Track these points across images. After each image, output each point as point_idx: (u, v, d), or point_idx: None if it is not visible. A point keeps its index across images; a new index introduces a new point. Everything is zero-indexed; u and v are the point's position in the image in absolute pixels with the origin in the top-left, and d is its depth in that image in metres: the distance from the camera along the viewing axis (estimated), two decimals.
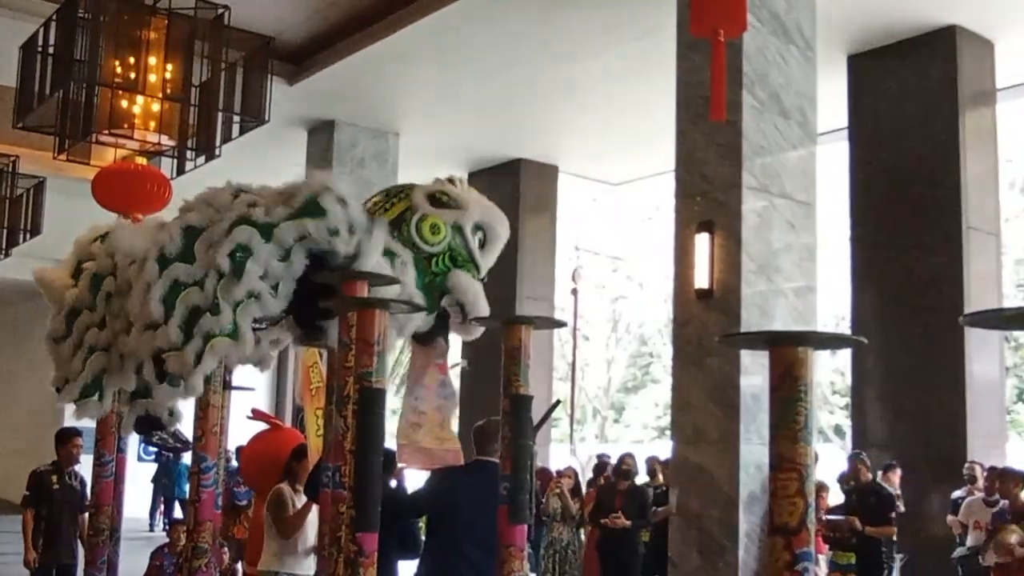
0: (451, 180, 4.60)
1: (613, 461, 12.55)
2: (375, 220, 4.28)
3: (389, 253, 4.27)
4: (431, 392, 4.55)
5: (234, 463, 16.10)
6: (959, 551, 9.32)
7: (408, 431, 4.72)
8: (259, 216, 4.10)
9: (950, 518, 9.66)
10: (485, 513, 5.03)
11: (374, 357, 3.36)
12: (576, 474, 11.61)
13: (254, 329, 4.11)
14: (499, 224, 4.59)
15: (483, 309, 4.44)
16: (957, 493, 9.69)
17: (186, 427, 4.98)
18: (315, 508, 6.72)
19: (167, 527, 13.07)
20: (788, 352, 2.31)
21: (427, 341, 4.49)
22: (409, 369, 4.58)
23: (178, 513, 17.44)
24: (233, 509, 10.74)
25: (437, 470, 5.40)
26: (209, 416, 4.16)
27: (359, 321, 3.43)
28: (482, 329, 4.45)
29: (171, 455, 17.05)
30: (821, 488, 9.55)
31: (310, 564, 7.11)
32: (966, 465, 9.66)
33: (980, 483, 9.43)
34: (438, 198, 4.46)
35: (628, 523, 10.23)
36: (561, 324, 4.21)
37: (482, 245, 4.50)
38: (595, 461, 12.90)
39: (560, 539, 10.90)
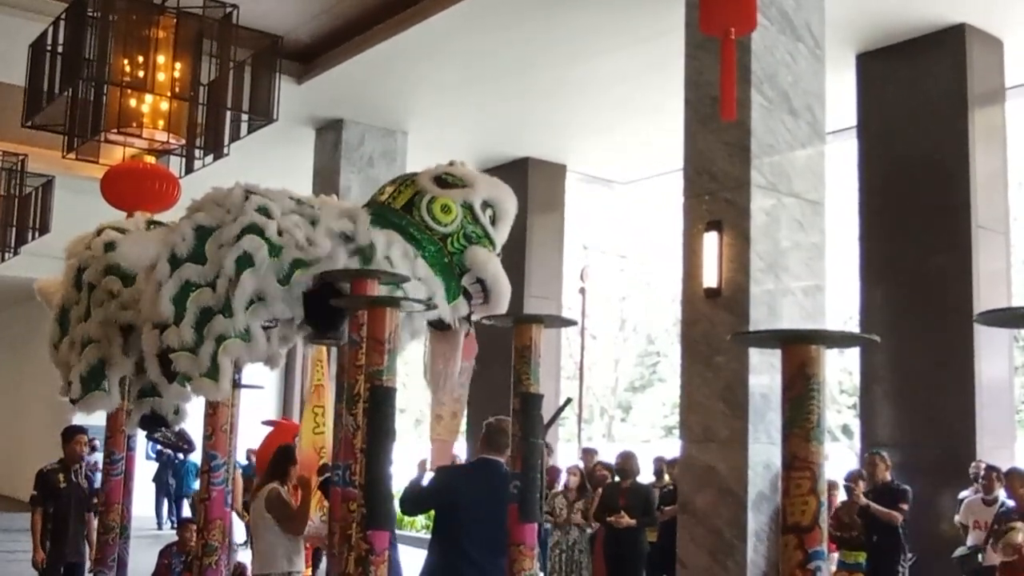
0: (452, 164, 4.63)
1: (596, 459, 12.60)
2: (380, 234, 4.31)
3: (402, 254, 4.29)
4: (452, 382, 4.56)
5: (242, 463, 16.08)
6: (960, 551, 9.31)
7: (435, 425, 4.74)
8: (271, 232, 4.12)
9: (956, 518, 9.64)
10: (488, 511, 5.04)
11: (385, 355, 3.36)
12: (583, 472, 11.57)
13: (264, 328, 4.12)
14: (507, 199, 4.63)
15: (504, 283, 4.45)
16: (964, 493, 9.67)
17: (192, 426, 5.00)
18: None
19: (176, 525, 13.07)
20: (800, 350, 2.30)
21: (446, 327, 4.49)
22: (430, 360, 4.58)
23: (187, 511, 17.48)
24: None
25: (441, 468, 5.41)
26: (219, 414, 4.17)
27: (369, 319, 3.43)
28: (506, 302, 4.46)
29: (172, 453, 17.07)
30: (832, 487, 9.50)
31: (302, 563, 7.24)
32: (972, 465, 9.65)
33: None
34: (444, 179, 4.50)
35: (633, 522, 10.20)
36: (571, 323, 4.20)
37: (492, 221, 4.53)
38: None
39: (567, 538, 10.87)
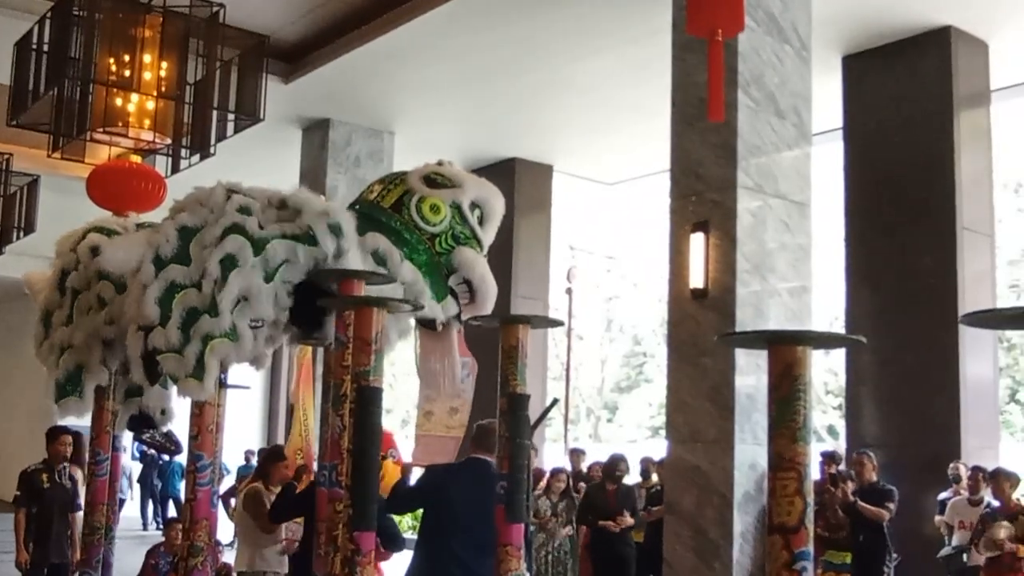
0: (440, 163, 4.64)
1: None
2: (365, 237, 4.29)
3: (379, 258, 4.28)
4: (446, 378, 4.55)
5: (255, 464, 16.10)
6: (945, 551, 9.35)
7: (422, 421, 4.73)
8: (252, 228, 4.11)
9: (937, 518, 9.68)
10: (475, 511, 5.04)
11: (371, 355, 3.36)
12: (569, 476, 11.53)
13: (250, 327, 4.11)
14: (495, 199, 4.63)
15: (491, 284, 4.46)
16: (944, 495, 9.71)
17: (178, 427, 4.99)
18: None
19: (161, 526, 13.00)
20: (787, 351, 2.31)
21: (434, 325, 4.48)
22: (420, 358, 4.58)
23: (172, 512, 17.45)
24: None
25: (430, 467, 5.40)
26: (205, 414, 4.16)
27: (356, 319, 3.43)
28: (492, 303, 4.46)
29: (157, 454, 17.02)
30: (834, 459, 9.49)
31: (284, 562, 7.26)
32: (951, 466, 9.69)
33: (964, 483, 9.45)
34: (433, 179, 4.50)
35: (632, 521, 10.08)
36: (558, 323, 4.20)
37: (480, 221, 4.53)
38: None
39: (553, 540, 10.80)
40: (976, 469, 9.24)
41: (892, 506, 9.13)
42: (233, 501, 11.87)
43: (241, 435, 17.11)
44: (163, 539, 8.73)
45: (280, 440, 17.48)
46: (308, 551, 5.42)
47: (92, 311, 4.66)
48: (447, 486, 5.47)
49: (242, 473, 15.20)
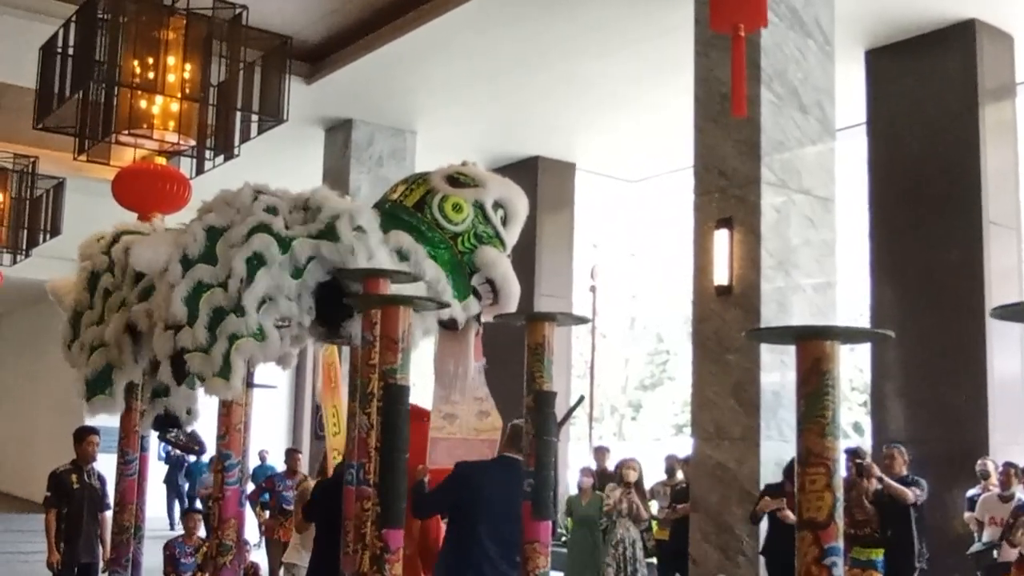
0: (464, 164, 4.64)
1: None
2: (389, 235, 4.30)
3: (403, 255, 4.29)
4: (466, 381, 4.54)
5: (270, 464, 16.12)
6: (975, 547, 9.28)
7: (442, 423, 4.72)
8: (279, 227, 4.14)
9: (967, 515, 9.61)
10: (507, 509, 5.02)
11: (398, 354, 3.36)
12: (594, 473, 11.45)
13: (276, 327, 4.13)
14: (518, 199, 4.63)
15: (513, 283, 4.46)
16: (972, 491, 9.64)
17: (204, 427, 5.01)
18: None
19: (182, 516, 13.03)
20: (815, 346, 2.31)
21: (456, 325, 4.48)
22: (437, 358, 4.58)
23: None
24: (281, 512, 10.71)
25: (461, 463, 5.38)
26: (233, 413, 4.18)
27: (383, 318, 3.44)
28: (515, 302, 4.46)
29: (182, 454, 17.08)
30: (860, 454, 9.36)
31: None
32: (978, 462, 9.62)
33: (993, 479, 9.39)
34: (456, 178, 4.51)
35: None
36: (584, 320, 4.20)
37: (504, 221, 4.53)
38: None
39: (627, 537, 10.54)
40: (1008, 465, 9.18)
41: (919, 492, 9.02)
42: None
43: (268, 435, 17.20)
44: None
45: (305, 439, 17.54)
46: (324, 550, 5.43)
47: (122, 309, 4.70)
48: (481, 483, 5.44)
49: (259, 474, 15.22)
